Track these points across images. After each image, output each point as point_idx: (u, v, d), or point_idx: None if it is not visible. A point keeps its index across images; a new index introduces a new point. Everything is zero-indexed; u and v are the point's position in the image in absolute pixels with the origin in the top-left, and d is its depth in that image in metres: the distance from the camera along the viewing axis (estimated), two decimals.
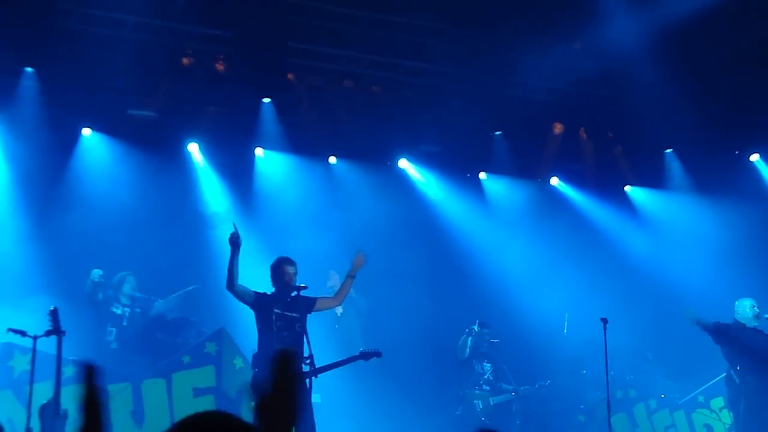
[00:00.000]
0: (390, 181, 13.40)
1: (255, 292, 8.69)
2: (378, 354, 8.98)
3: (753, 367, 10.00)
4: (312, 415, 8.39)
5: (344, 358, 8.97)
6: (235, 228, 8.51)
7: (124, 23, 10.58)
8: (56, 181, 11.56)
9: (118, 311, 10.55)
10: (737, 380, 10.09)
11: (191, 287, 10.99)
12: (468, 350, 11.30)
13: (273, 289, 8.81)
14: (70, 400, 9.25)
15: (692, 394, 11.86)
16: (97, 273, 10.58)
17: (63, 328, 8.29)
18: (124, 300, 10.62)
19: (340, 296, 9.20)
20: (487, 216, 13.84)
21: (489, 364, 11.35)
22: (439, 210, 13.70)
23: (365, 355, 8.96)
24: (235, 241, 8.46)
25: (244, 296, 8.64)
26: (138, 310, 10.59)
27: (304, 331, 8.51)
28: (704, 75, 12.60)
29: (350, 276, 9.11)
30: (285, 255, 9.00)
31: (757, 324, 10.22)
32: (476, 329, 11.35)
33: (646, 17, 11.36)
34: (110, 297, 10.61)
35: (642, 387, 12.12)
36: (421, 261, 13.13)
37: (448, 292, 12.95)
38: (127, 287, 10.63)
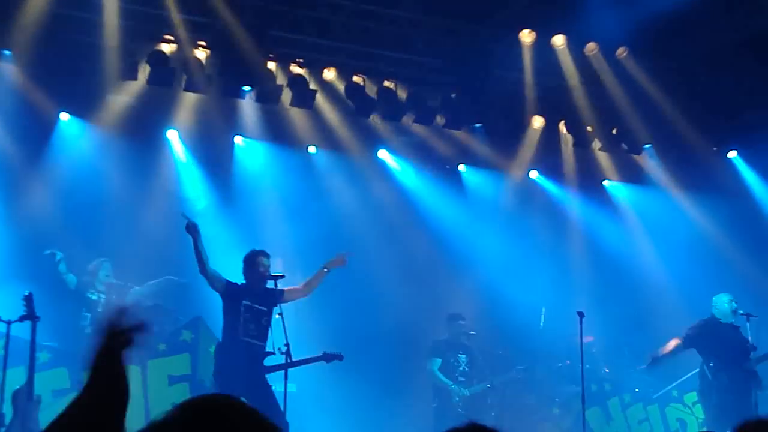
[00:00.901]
0: (369, 171, 13.39)
1: (227, 280, 8.68)
2: (340, 357, 9.01)
3: (726, 363, 10.07)
4: (276, 407, 8.37)
5: (306, 357, 8.96)
6: (186, 217, 8.49)
7: (103, 7, 10.47)
8: (33, 165, 11.46)
9: (94, 297, 10.49)
10: (709, 376, 10.16)
11: (170, 277, 10.93)
12: (440, 374, 11.25)
13: (244, 281, 8.77)
14: (44, 385, 9.22)
15: (666, 389, 11.95)
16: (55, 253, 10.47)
17: (37, 314, 8.26)
18: (99, 286, 10.56)
19: (309, 287, 9.16)
20: (466, 209, 13.86)
21: (464, 356, 11.38)
22: (418, 202, 13.70)
23: (327, 357, 8.99)
24: (191, 230, 8.42)
25: (215, 281, 8.63)
26: (114, 296, 10.53)
27: (269, 324, 8.53)
28: (684, 71, 12.67)
29: (326, 268, 9.08)
30: (259, 247, 8.97)
31: (734, 320, 10.29)
32: (438, 361, 11.30)
33: (627, 12, 11.38)
34: (86, 283, 10.54)
35: (617, 381, 12.19)
36: (400, 252, 13.13)
37: (426, 284, 12.97)
38: (103, 273, 10.57)
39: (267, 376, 8.74)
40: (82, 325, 10.29)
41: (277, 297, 8.74)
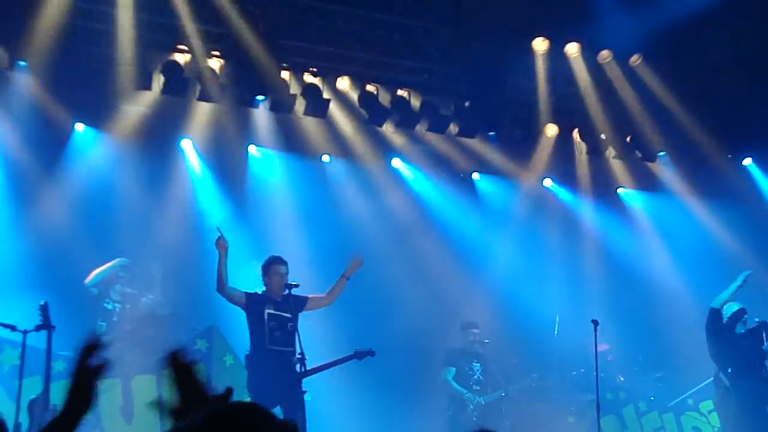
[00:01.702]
0: (383, 180, 13.40)
1: (246, 293, 8.67)
2: (372, 353, 8.97)
3: (743, 370, 10.01)
4: (304, 414, 8.38)
5: (338, 357, 8.95)
6: (220, 232, 8.50)
7: (118, 18, 10.54)
8: (48, 175, 11.50)
9: (109, 306, 10.51)
10: (727, 382, 10.11)
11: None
12: (454, 383, 11.23)
13: (264, 289, 8.79)
14: (59, 394, 9.25)
15: (682, 397, 11.89)
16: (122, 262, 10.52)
17: (53, 323, 8.28)
18: (114, 296, 10.58)
19: (332, 295, 9.16)
20: (480, 217, 13.84)
21: (479, 364, 11.35)
22: (432, 210, 13.69)
23: (359, 354, 8.94)
24: (220, 245, 8.44)
25: (234, 298, 8.63)
26: (128, 305, 10.56)
27: (296, 330, 8.51)
28: (697, 78, 12.63)
29: (345, 276, 9.07)
30: (277, 254, 8.99)
31: (743, 329, 10.21)
32: (453, 370, 11.28)
33: (641, 20, 11.38)
34: (102, 292, 10.57)
35: (632, 389, 12.14)
36: (414, 261, 13.11)
37: (440, 292, 12.94)
38: (119, 284, 10.58)
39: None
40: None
41: (300, 304, 8.74)
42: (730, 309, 10.31)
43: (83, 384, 2.46)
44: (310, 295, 8.92)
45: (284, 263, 8.83)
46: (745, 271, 10.19)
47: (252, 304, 8.64)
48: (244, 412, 2.16)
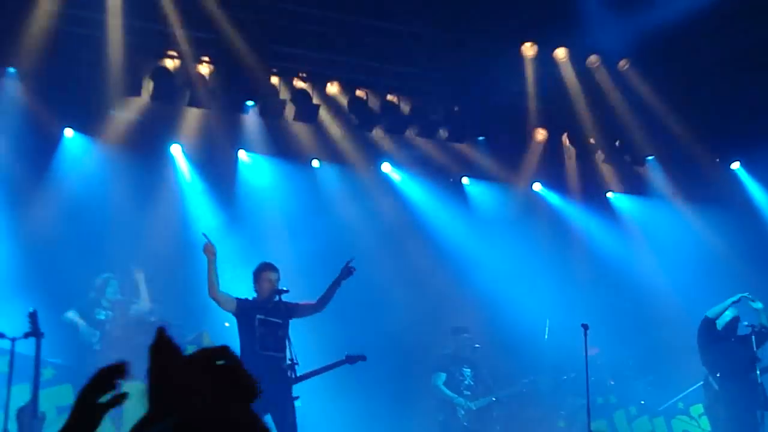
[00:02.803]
0: (373, 185, 13.41)
1: (237, 298, 8.66)
2: (363, 358, 8.99)
3: (733, 374, 10.04)
4: (294, 419, 8.38)
5: (330, 363, 8.95)
6: (207, 238, 8.50)
7: (107, 24, 10.52)
8: (37, 181, 11.48)
9: (101, 316, 10.47)
10: (716, 386, 10.14)
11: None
12: (445, 388, 11.23)
13: (255, 295, 8.79)
14: (48, 402, 9.22)
15: (672, 401, 11.93)
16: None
17: (42, 331, 8.26)
18: (105, 303, 10.56)
19: (322, 302, 9.12)
20: (470, 221, 13.86)
21: (469, 369, 11.36)
22: (422, 215, 13.71)
23: (351, 359, 8.96)
24: (208, 250, 8.43)
25: (225, 303, 8.62)
26: (119, 312, 10.54)
27: (286, 336, 8.51)
28: (686, 82, 12.68)
29: (337, 283, 9.04)
30: (268, 261, 8.99)
31: (734, 337, 10.24)
32: (443, 375, 11.29)
33: (629, 24, 11.41)
34: (93, 300, 10.54)
35: (622, 393, 12.17)
36: (404, 265, 13.12)
37: (431, 297, 12.95)
38: (110, 291, 10.56)
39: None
40: (90, 342, 10.29)
41: (291, 311, 8.73)
42: (725, 317, 10.31)
43: (85, 420, 2.39)
44: (300, 303, 8.91)
45: (275, 270, 8.83)
46: (744, 293, 10.21)
47: (243, 309, 8.63)
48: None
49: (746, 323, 10.25)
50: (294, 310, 8.77)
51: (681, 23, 11.14)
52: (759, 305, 10.17)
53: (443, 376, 11.26)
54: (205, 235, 8.61)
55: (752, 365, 9.89)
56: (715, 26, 11.44)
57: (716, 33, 11.67)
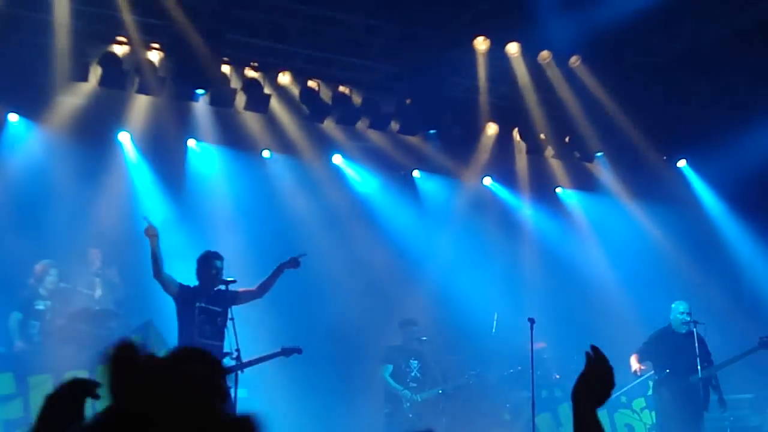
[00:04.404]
0: (324, 176, 13.37)
1: (180, 283, 8.63)
2: (299, 350, 8.94)
3: (670, 376, 10.13)
4: (234, 409, 8.33)
5: (265, 354, 8.89)
6: (147, 221, 8.43)
7: (54, 7, 10.32)
8: None
9: (41, 306, 10.27)
10: (650, 390, 10.27)
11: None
12: (391, 380, 11.23)
13: (197, 283, 8.71)
14: None
15: (615, 395, 12.00)
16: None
17: None
18: (44, 293, 10.35)
19: (263, 288, 9.10)
20: (420, 214, 13.90)
21: (416, 361, 11.38)
22: (372, 207, 13.71)
23: (286, 351, 8.92)
24: (150, 232, 8.37)
25: (169, 285, 8.58)
26: (58, 305, 10.34)
27: (225, 325, 8.47)
28: (635, 81, 12.81)
29: (280, 270, 9.02)
30: (212, 249, 8.92)
31: (684, 330, 10.31)
32: (390, 367, 11.29)
33: (580, 21, 11.49)
34: (32, 290, 10.34)
35: (567, 387, 12.26)
36: (353, 257, 13.12)
37: (380, 289, 12.95)
38: (49, 279, 10.38)
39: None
40: (31, 333, 10.10)
41: (231, 298, 8.67)
42: (677, 308, 10.41)
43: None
44: (240, 289, 8.85)
45: (220, 258, 8.78)
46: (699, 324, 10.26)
47: (184, 295, 8.58)
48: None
49: (688, 318, 10.37)
50: (235, 298, 8.73)
51: (631, 21, 11.24)
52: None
53: (390, 367, 11.27)
54: (145, 218, 8.56)
55: (693, 367, 9.98)
56: (664, 25, 11.58)
57: (665, 32, 11.81)
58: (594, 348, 3.02)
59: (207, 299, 8.59)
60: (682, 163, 14.27)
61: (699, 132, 13.26)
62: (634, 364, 10.38)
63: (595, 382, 2.92)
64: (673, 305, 10.53)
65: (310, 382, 11.45)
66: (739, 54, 11.94)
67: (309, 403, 11.45)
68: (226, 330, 8.51)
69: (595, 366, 2.95)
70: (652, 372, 10.60)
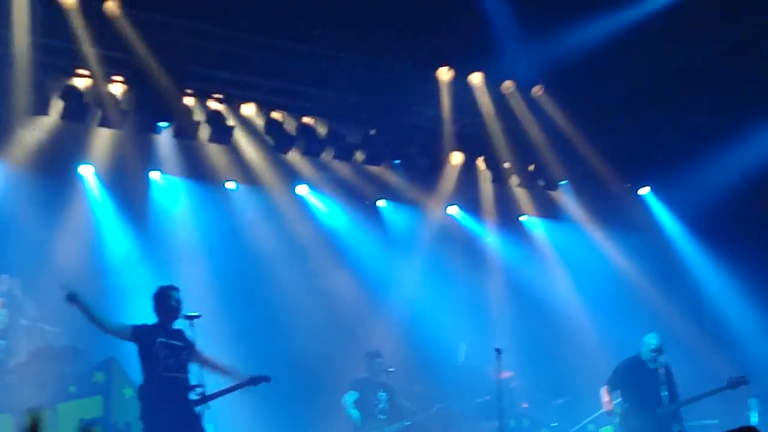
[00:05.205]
0: (289, 207, 13.32)
1: (132, 326, 8.35)
2: (267, 379, 8.78)
3: (638, 406, 10.12)
4: None
5: (233, 384, 8.74)
6: (65, 288, 8.11)
7: (14, 40, 10.21)
8: None
9: None
10: (618, 419, 10.26)
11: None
12: (352, 407, 11.10)
13: (156, 319, 8.53)
14: None
15: (583, 423, 12.04)
16: None
17: None
18: None
19: (216, 370, 8.74)
20: (386, 244, 13.88)
21: (384, 393, 11.30)
22: (337, 237, 13.67)
23: (254, 380, 8.75)
24: (73, 299, 8.10)
25: (121, 332, 8.31)
26: (13, 340, 10.11)
27: (188, 359, 8.32)
28: (597, 109, 12.95)
29: (239, 387, 8.71)
30: (167, 283, 8.72)
31: (652, 366, 10.26)
32: (355, 394, 11.17)
33: (543, 51, 11.61)
34: None
35: (535, 416, 12.27)
36: (318, 288, 13.08)
37: (345, 320, 12.91)
38: (1, 318, 10.11)
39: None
40: None
41: (190, 347, 8.47)
42: (648, 343, 10.32)
43: None
44: (202, 353, 8.58)
45: (175, 289, 8.57)
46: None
47: (140, 335, 8.36)
48: None
49: (654, 354, 10.33)
50: (192, 351, 8.48)
51: (593, 51, 11.38)
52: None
53: (355, 394, 11.14)
54: (62, 286, 8.21)
55: (658, 400, 9.96)
56: (626, 55, 11.73)
57: (627, 61, 11.96)
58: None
59: (167, 334, 8.43)
60: (645, 191, 14.39)
61: (662, 159, 13.40)
62: (605, 399, 10.31)
63: None
64: (645, 338, 10.37)
65: (275, 415, 11.34)
66: (699, 82, 12.12)
67: None
68: (189, 364, 8.36)
69: None
70: (620, 400, 10.58)
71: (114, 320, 8.31)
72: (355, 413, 10.98)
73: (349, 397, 11.14)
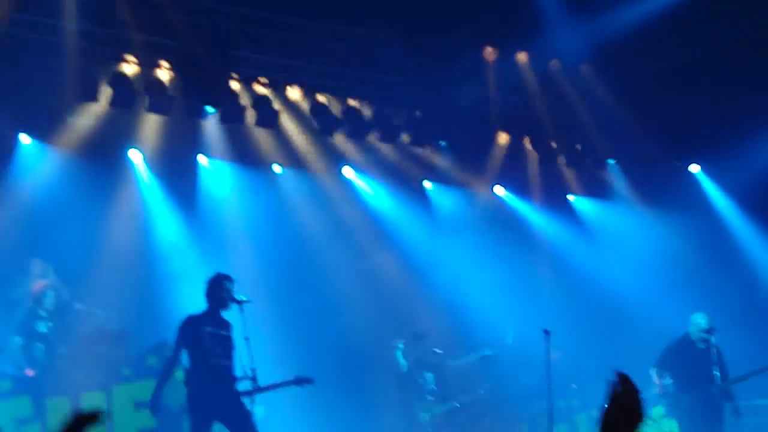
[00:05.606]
0: (335, 190, 13.35)
1: (180, 327, 8.53)
2: (311, 381, 8.91)
3: (689, 385, 10.05)
4: (253, 422, 8.37)
5: (278, 381, 8.89)
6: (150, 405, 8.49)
7: (63, 29, 10.34)
8: None
9: (43, 329, 10.14)
10: (670, 399, 10.19)
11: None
12: (402, 365, 11.18)
13: (205, 306, 8.64)
14: (5, 414, 9.07)
15: None
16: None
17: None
18: (44, 314, 10.19)
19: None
20: (432, 225, 13.85)
21: (431, 374, 11.32)
22: (384, 219, 13.67)
23: (299, 381, 8.90)
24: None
25: (185, 346, 8.56)
26: (64, 323, 10.24)
27: (233, 347, 8.50)
28: (645, 87, 12.77)
29: (283, 385, 8.94)
30: (222, 272, 8.83)
31: (703, 345, 10.19)
32: (401, 346, 11.24)
33: (589, 29, 11.47)
34: (31, 311, 10.21)
35: (585, 397, 12.20)
36: (366, 270, 13.09)
37: (393, 302, 12.92)
38: (48, 301, 10.26)
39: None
40: (36, 356, 10.01)
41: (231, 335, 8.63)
42: (696, 322, 10.27)
43: None
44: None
45: (230, 279, 8.70)
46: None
47: (191, 327, 8.52)
48: None
49: (704, 335, 10.25)
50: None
51: (641, 27, 11.22)
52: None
53: (402, 345, 11.23)
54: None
55: (711, 378, 9.89)
56: (675, 30, 11.55)
57: (676, 38, 11.78)
58: (620, 375, 2.60)
59: (213, 323, 8.56)
60: (695, 169, 14.19)
61: (712, 137, 13.19)
62: (657, 381, 10.28)
63: (622, 416, 2.53)
64: (692, 317, 10.37)
65: (327, 399, 11.40)
66: (752, 59, 11.89)
67: (326, 420, 11.41)
68: (233, 353, 8.52)
69: (620, 397, 2.55)
70: (670, 381, 10.51)
71: (173, 365, 8.65)
72: (403, 362, 11.07)
73: (399, 345, 11.22)
